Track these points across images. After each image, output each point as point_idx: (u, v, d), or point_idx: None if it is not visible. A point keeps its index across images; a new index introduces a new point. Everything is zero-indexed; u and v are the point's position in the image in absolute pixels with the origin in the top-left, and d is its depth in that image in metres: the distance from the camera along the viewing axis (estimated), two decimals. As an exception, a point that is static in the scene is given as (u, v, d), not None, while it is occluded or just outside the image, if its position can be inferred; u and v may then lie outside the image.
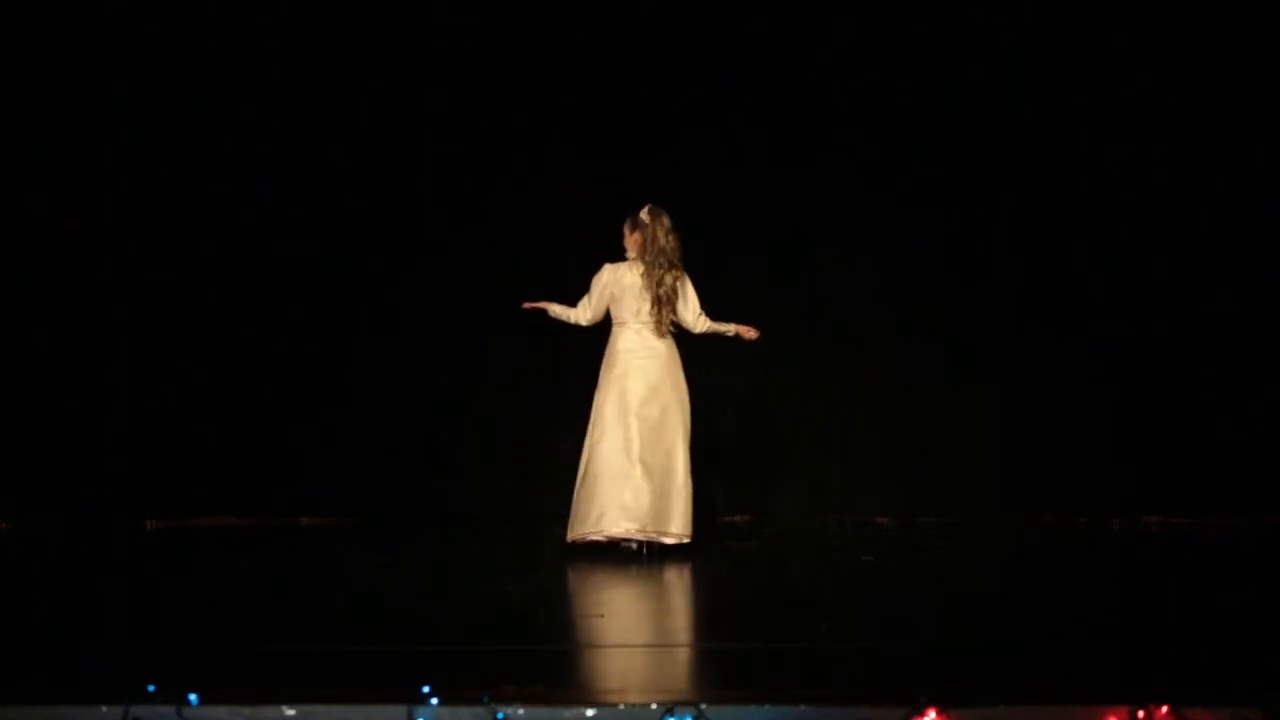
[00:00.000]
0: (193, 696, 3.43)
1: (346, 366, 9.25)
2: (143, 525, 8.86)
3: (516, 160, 9.31)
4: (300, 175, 9.18)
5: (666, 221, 6.97)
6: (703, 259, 8.96)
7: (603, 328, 7.22)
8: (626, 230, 7.07)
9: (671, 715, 3.35)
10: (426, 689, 3.44)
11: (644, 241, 6.95)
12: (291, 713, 3.44)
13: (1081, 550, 7.68)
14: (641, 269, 6.92)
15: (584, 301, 7.10)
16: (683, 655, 4.42)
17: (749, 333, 7.10)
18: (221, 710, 3.43)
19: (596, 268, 7.28)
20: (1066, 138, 9.06)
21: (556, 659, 4.17)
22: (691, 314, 7.02)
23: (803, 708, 3.41)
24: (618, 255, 8.12)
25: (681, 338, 7.12)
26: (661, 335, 6.94)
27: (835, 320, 9.27)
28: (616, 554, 6.84)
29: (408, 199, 9.29)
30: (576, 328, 7.20)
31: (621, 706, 3.42)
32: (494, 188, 9.34)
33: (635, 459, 6.79)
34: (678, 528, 6.82)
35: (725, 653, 4.48)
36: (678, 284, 6.95)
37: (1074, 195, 9.06)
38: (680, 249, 7.00)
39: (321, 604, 5.60)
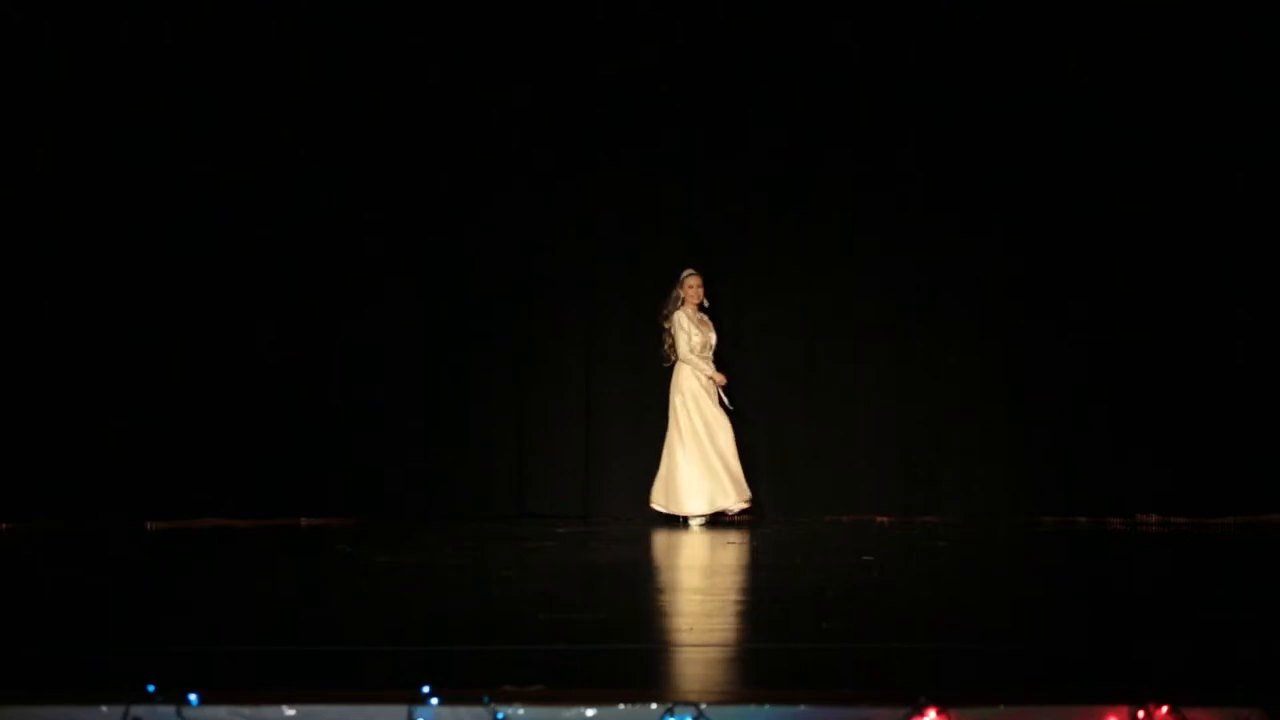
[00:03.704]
0: (193, 696, 3.43)
1: (346, 368, 9.26)
2: (143, 525, 8.86)
3: (517, 160, 9.33)
4: (300, 177, 9.20)
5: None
6: (705, 259, 9.00)
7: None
8: None
9: (671, 715, 3.35)
10: (426, 689, 3.43)
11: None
12: (291, 713, 3.44)
13: (1081, 550, 7.68)
14: None
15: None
16: (683, 655, 4.42)
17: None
18: (221, 710, 3.43)
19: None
20: (1067, 139, 9.07)
21: (556, 659, 4.17)
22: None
23: (803, 708, 3.40)
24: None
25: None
26: (666, 363, 8.93)
27: (836, 320, 9.28)
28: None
29: (408, 201, 9.31)
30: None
31: (621, 706, 3.41)
32: (496, 186, 9.35)
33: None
34: (658, 501, 8.84)
35: (725, 653, 4.47)
36: (664, 333, 8.91)
37: (1074, 197, 9.07)
38: (666, 304, 8.85)
39: (321, 603, 5.60)
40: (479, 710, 3.39)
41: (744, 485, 8.74)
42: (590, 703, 3.43)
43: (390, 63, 9.25)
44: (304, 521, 9.14)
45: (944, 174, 9.17)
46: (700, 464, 8.70)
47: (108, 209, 9.01)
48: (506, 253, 9.34)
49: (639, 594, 5.96)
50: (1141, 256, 8.99)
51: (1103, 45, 9.00)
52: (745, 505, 8.77)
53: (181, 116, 9.07)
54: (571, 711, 3.40)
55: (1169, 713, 3.31)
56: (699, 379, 8.78)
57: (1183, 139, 8.94)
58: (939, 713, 3.32)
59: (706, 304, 8.86)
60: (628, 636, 4.69)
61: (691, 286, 8.82)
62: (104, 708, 3.43)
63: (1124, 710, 3.33)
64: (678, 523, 8.73)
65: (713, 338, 8.86)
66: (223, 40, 9.09)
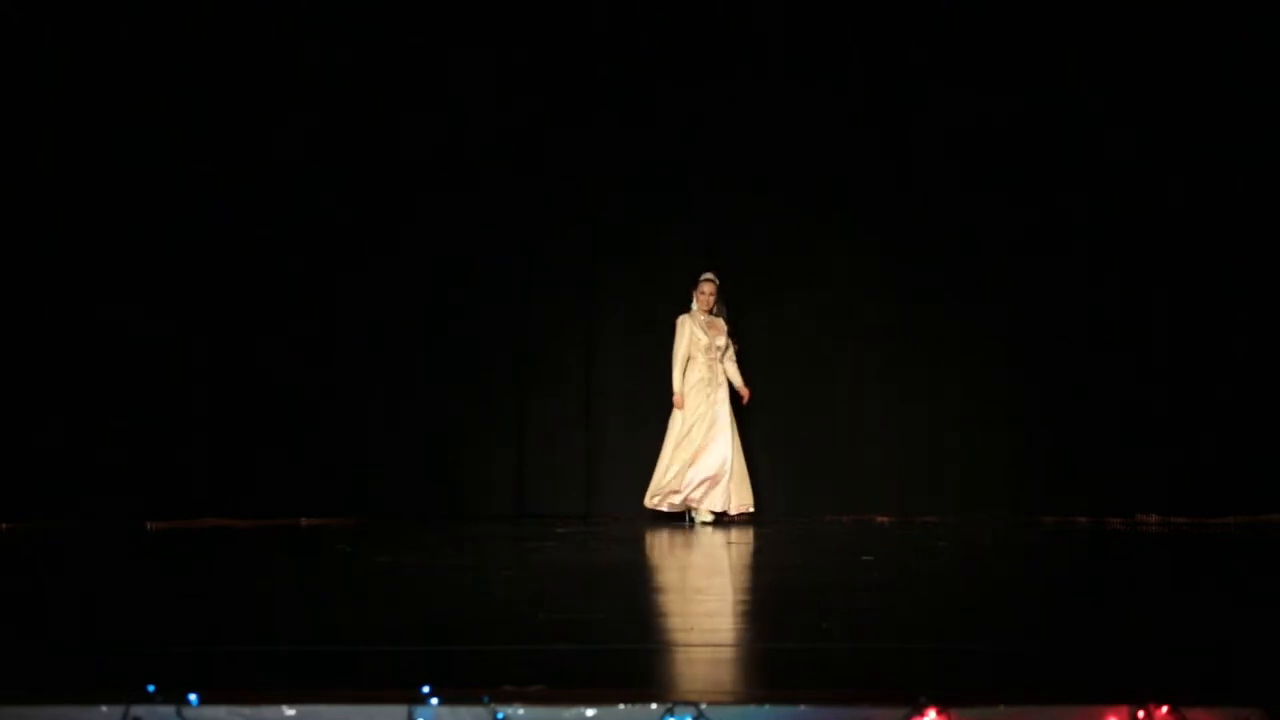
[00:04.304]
0: (193, 696, 3.42)
1: (347, 368, 9.26)
2: (143, 525, 8.86)
3: (518, 160, 9.34)
4: (300, 177, 9.21)
5: None
6: (706, 258, 9.01)
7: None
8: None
9: (671, 715, 3.35)
10: (426, 689, 3.43)
11: None
12: (291, 713, 3.43)
13: (1081, 550, 7.68)
14: None
15: None
16: (683, 655, 4.42)
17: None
18: (221, 710, 3.42)
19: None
20: (1067, 138, 9.08)
21: (556, 659, 4.17)
22: None
23: (803, 708, 3.39)
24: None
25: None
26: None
27: (837, 322, 9.29)
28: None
29: (408, 201, 9.32)
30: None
31: (621, 706, 3.41)
32: (496, 186, 9.35)
33: None
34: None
35: (725, 653, 4.47)
36: None
37: (1074, 196, 9.08)
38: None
39: (321, 603, 5.60)
40: (479, 710, 3.38)
41: (679, 495, 8.78)
42: (590, 703, 3.42)
43: (390, 62, 9.25)
44: (304, 521, 9.14)
45: (943, 173, 9.17)
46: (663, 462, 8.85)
47: (108, 209, 9.01)
48: (506, 253, 9.35)
49: (639, 594, 5.96)
50: (1141, 256, 9.00)
51: (1103, 45, 9.01)
52: (686, 509, 8.83)
53: (181, 116, 9.07)
54: (571, 711, 3.39)
55: (1169, 713, 3.30)
56: (700, 381, 8.78)
57: (1183, 139, 8.94)
58: (939, 713, 3.31)
59: (716, 309, 8.91)
60: (628, 636, 4.69)
61: (702, 292, 8.90)
62: (104, 708, 3.42)
63: (1124, 710, 3.33)
64: (680, 523, 8.73)
65: (719, 340, 8.88)
66: (223, 40, 9.09)
